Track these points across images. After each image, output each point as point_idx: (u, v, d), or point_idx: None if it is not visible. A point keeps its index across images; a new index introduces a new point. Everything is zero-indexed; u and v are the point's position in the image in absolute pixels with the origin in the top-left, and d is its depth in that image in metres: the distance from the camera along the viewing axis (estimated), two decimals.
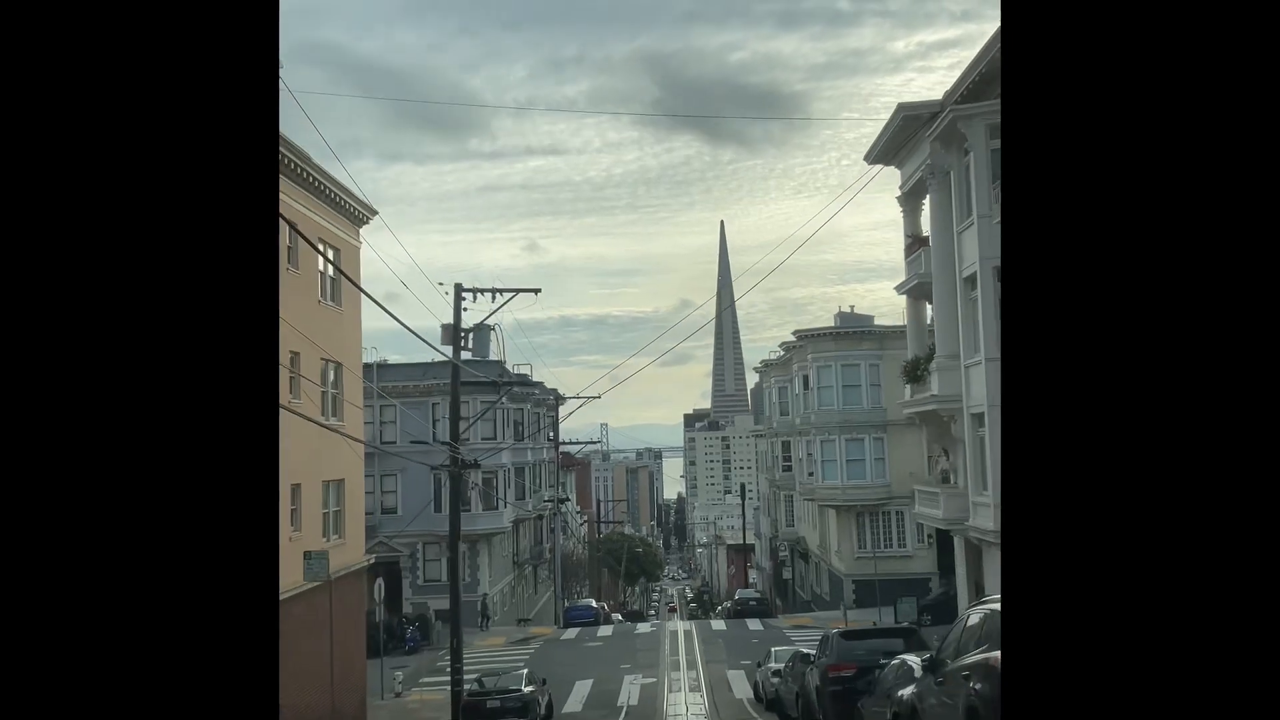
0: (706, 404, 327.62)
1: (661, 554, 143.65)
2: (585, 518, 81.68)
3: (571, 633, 45.15)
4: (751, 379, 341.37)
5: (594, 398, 52.95)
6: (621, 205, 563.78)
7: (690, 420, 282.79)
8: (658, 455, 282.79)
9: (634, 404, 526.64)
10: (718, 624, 45.97)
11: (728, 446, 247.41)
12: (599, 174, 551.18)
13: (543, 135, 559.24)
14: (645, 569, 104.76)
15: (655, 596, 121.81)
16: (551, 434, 65.41)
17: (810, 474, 50.43)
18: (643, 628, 47.81)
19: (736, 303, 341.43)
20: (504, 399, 46.97)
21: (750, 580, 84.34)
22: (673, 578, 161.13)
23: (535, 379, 54.76)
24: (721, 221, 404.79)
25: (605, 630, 44.72)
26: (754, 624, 44.58)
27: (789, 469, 61.72)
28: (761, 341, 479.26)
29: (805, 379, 51.88)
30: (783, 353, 62.30)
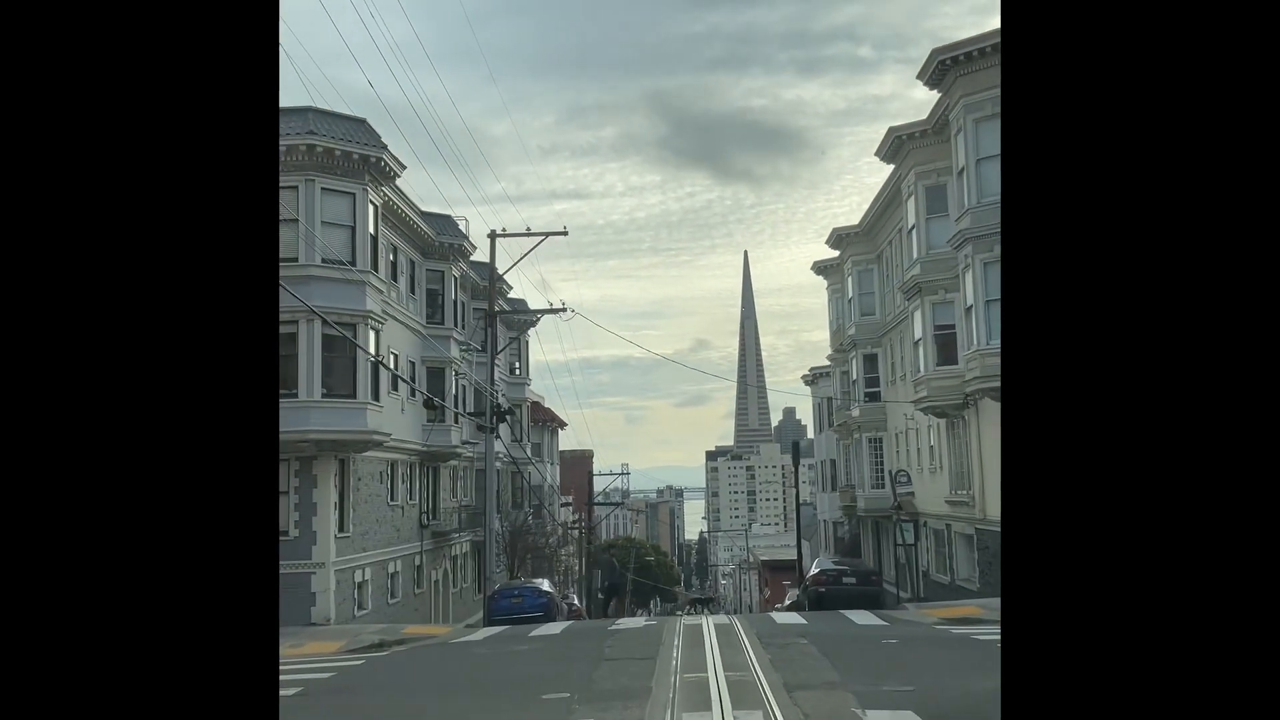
0: (727, 442, 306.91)
1: (679, 571, 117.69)
2: (579, 518, 57.87)
3: (486, 634, 21.76)
4: (776, 416, 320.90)
5: (561, 309, 29.55)
6: (644, 248, 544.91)
7: (712, 456, 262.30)
8: (679, 494, 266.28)
9: (654, 445, 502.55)
10: (786, 618, 22.16)
11: (752, 476, 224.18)
12: (622, 217, 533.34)
13: (567, 179, 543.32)
14: (658, 585, 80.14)
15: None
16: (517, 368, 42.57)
17: (926, 367, 27.35)
18: (630, 622, 24.35)
19: (759, 345, 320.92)
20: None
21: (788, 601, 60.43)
22: (695, 597, 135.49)
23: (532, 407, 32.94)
24: (745, 252, 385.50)
25: (550, 629, 21.15)
26: (862, 617, 20.97)
27: (874, 394, 38.05)
28: (783, 384, 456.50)
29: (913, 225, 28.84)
30: (856, 228, 39.11)
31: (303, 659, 18.04)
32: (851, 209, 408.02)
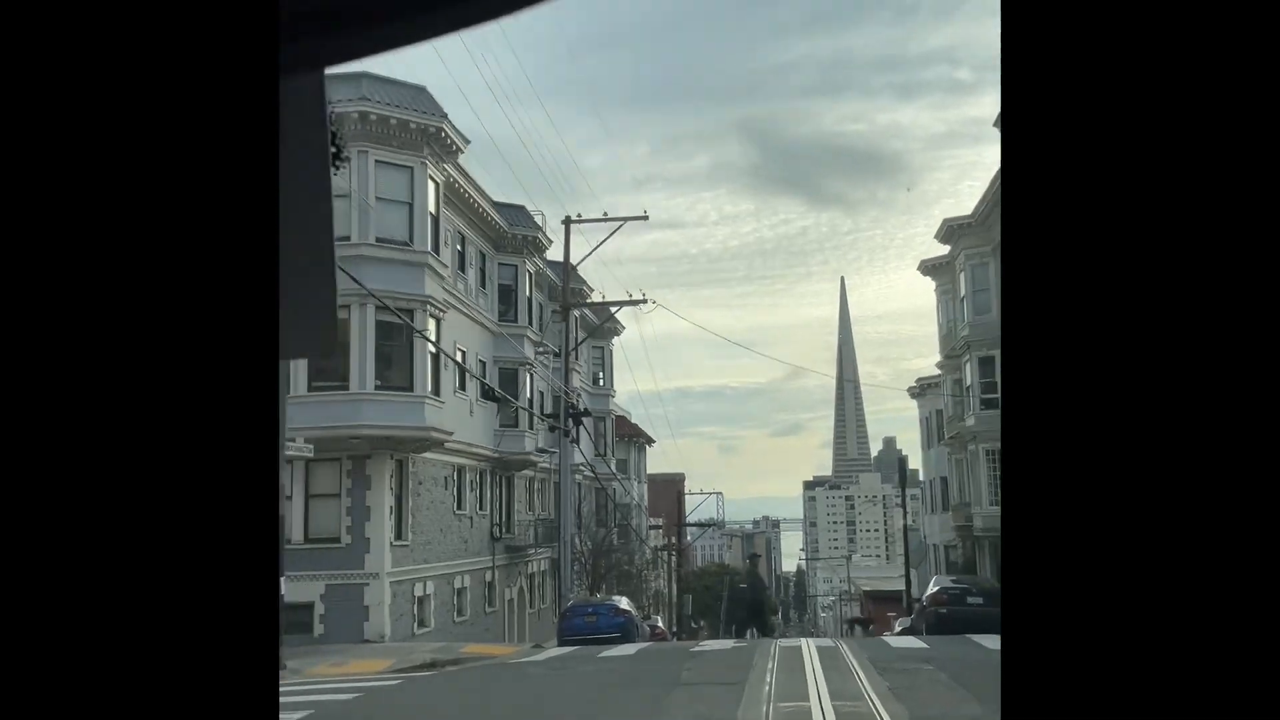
0: (825, 472, 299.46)
1: (775, 602, 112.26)
2: (669, 541, 54.64)
3: (551, 654, 18.97)
4: (875, 445, 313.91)
5: (641, 300, 26.70)
6: (738, 277, 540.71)
7: (810, 485, 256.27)
8: (775, 524, 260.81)
9: (749, 475, 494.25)
10: (902, 641, 18.73)
11: (852, 507, 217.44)
12: (715, 246, 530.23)
13: (660, 209, 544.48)
14: (753, 614, 75.82)
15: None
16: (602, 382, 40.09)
17: None
18: (716, 644, 20.96)
19: (857, 372, 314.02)
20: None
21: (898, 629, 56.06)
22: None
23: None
24: (842, 278, 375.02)
25: (624, 650, 18.15)
26: (994, 642, 17.47)
27: (991, 401, 34.28)
28: (883, 414, 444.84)
29: None
30: (969, 218, 35.56)
31: (337, 678, 15.52)
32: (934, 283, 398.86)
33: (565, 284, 26.76)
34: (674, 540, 52.15)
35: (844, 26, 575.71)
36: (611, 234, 26.50)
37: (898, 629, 33.19)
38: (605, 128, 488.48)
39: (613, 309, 27.57)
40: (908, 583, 43.68)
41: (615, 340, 45.65)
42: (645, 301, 26.11)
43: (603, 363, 44.74)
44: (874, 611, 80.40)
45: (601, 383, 44.68)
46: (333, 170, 2.19)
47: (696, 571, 75.09)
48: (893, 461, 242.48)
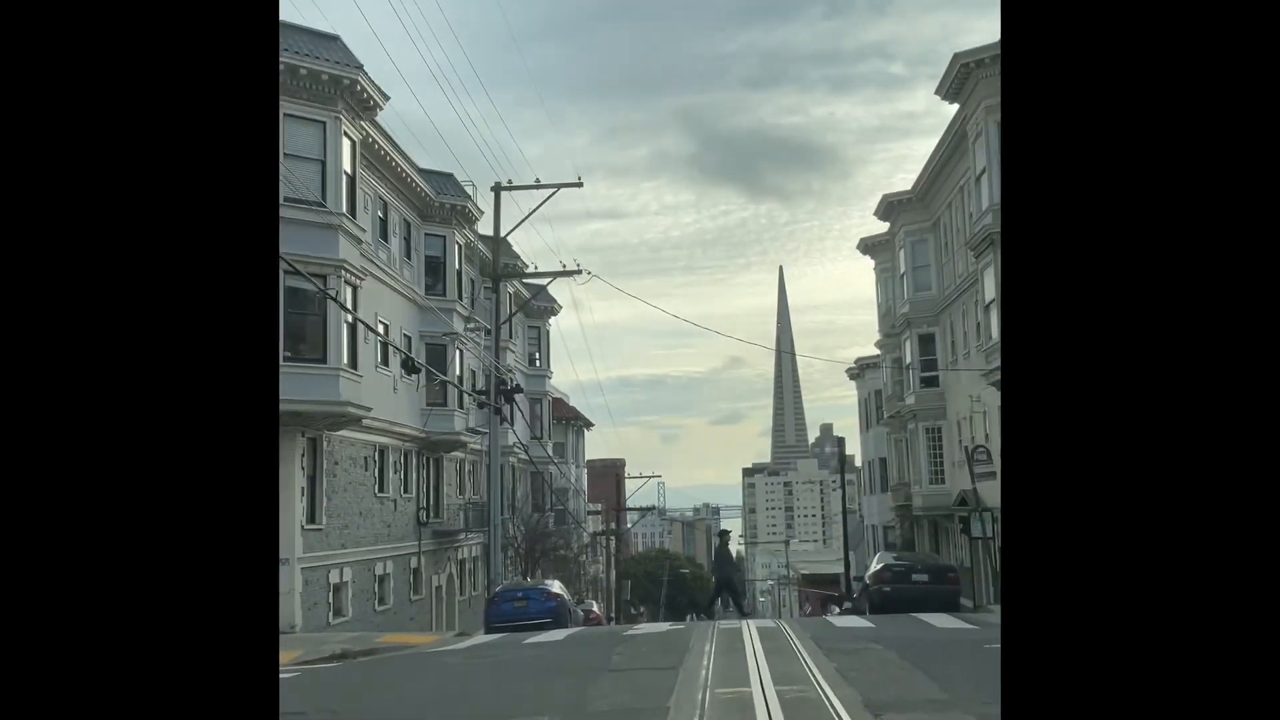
0: (764, 459, 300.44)
1: (742, 577, 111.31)
2: (608, 526, 53.26)
3: (475, 642, 17.67)
4: (813, 433, 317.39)
5: (576, 271, 24.96)
6: (679, 267, 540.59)
7: (749, 472, 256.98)
8: (716, 511, 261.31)
9: (690, 463, 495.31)
10: (847, 621, 17.68)
11: (790, 493, 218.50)
12: (656, 236, 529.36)
13: (602, 199, 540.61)
14: (693, 598, 74.81)
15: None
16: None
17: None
18: (651, 627, 19.66)
19: (795, 360, 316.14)
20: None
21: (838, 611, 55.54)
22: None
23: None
24: (780, 268, 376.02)
25: (553, 635, 16.84)
26: (942, 620, 16.53)
27: (931, 379, 33.70)
28: (821, 402, 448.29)
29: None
30: (908, 194, 34.88)
31: None
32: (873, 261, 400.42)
33: (496, 252, 25.35)
34: (613, 525, 50.94)
35: (781, 19, 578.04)
36: (545, 200, 25.16)
37: (838, 611, 32.38)
38: (547, 116, 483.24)
39: (546, 281, 26.17)
40: (846, 564, 43.07)
41: (552, 321, 44.24)
42: (580, 272, 24.83)
43: (539, 343, 43.30)
44: (811, 594, 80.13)
45: (538, 363, 43.25)
46: None
47: (636, 557, 74.07)
48: (830, 448, 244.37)
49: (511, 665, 12.46)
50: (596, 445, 56.95)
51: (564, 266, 25.24)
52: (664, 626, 17.93)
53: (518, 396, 40.71)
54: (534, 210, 25.36)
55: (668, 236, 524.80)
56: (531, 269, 25.65)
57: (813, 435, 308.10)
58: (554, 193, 25.12)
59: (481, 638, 18.94)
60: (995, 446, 26.83)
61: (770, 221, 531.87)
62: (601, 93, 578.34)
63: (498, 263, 25.67)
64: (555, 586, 21.84)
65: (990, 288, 24.61)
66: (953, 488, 32.31)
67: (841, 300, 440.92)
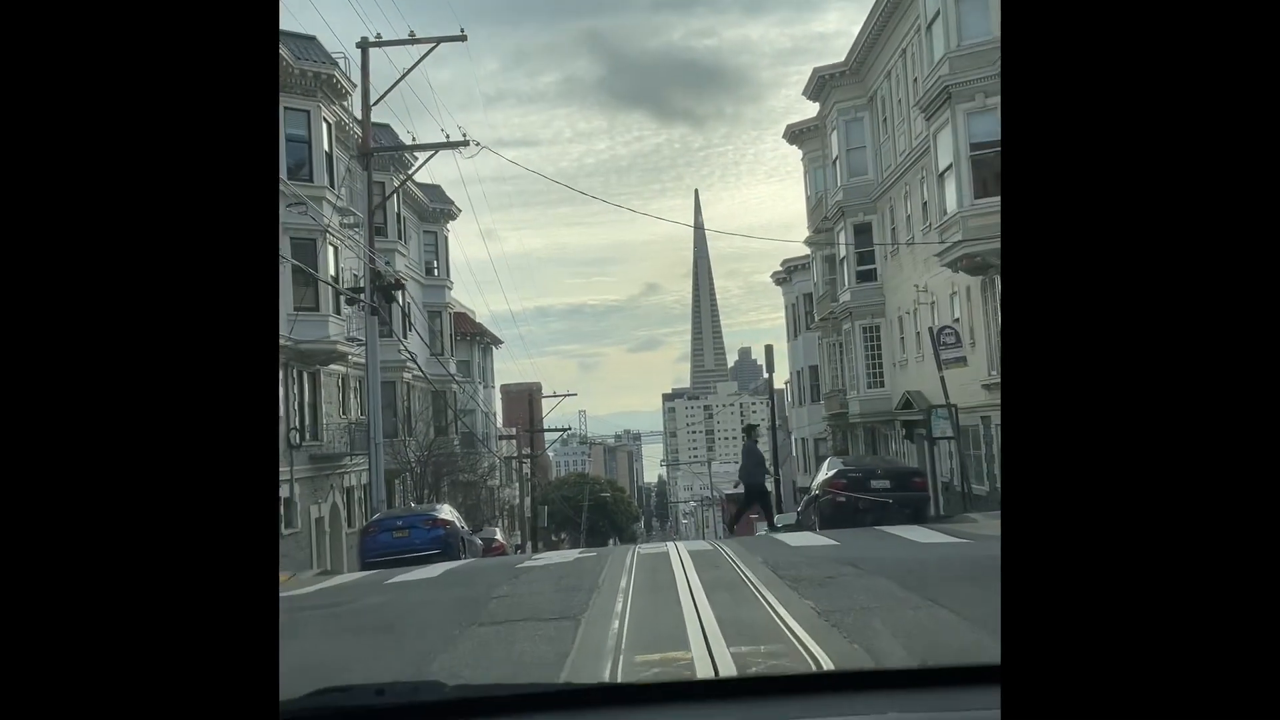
0: (683, 385, 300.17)
1: (637, 509, 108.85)
2: (520, 451, 49.31)
3: (337, 582, 13.94)
4: (731, 357, 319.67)
5: (463, 143, 20.40)
6: (594, 194, 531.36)
7: (669, 398, 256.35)
8: (637, 438, 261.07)
9: (610, 391, 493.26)
10: (800, 539, 14.28)
11: (710, 415, 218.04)
12: (570, 164, 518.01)
13: (514, 128, 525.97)
14: (615, 523, 71.81)
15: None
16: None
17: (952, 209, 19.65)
18: (554, 556, 15.91)
19: (713, 285, 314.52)
20: None
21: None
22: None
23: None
24: (696, 191, 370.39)
25: (428, 571, 13.15)
26: (918, 534, 13.30)
27: (868, 273, 30.62)
28: (737, 327, 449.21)
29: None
30: (842, 67, 31.27)
31: None
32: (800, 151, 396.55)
33: (366, 119, 20.98)
34: (528, 449, 47.15)
35: None
36: (423, 58, 20.81)
37: (779, 523, 29.33)
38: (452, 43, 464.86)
39: (429, 153, 21.91)
40: (777, 479, 40.28)
41: (450, 226, 39.83)
42: (467, 143, 20.65)
43: (436, 250, 38.89)
44: (732, 510, 78.47)
45: (436, 272, 38.93)
46: None
47: (554, 482, 70.80)
48: (749, 369, 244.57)
49: (346, 618, 8.77)
50: (514, 377, 53.15)
51: (448, 138, 20.99)
52: (572, 554, 14.37)
53: (413, 307, 36.48)
54: (410, 70, 21.01)
55: (582, 164, 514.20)
56: (410, 139, 21.33)
57: (731, 360, 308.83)
58: (433, 48, 20.79)
59: (345, 577, 15.24)
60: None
61: (684, 146, 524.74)
62: (510, 15, 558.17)
63: (368, 134, 21.32)
64: (444, 511, 18.15)
65: (945, 153, 21.22)
66: (894, 391, 29.41)
67: (758, 223, 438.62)
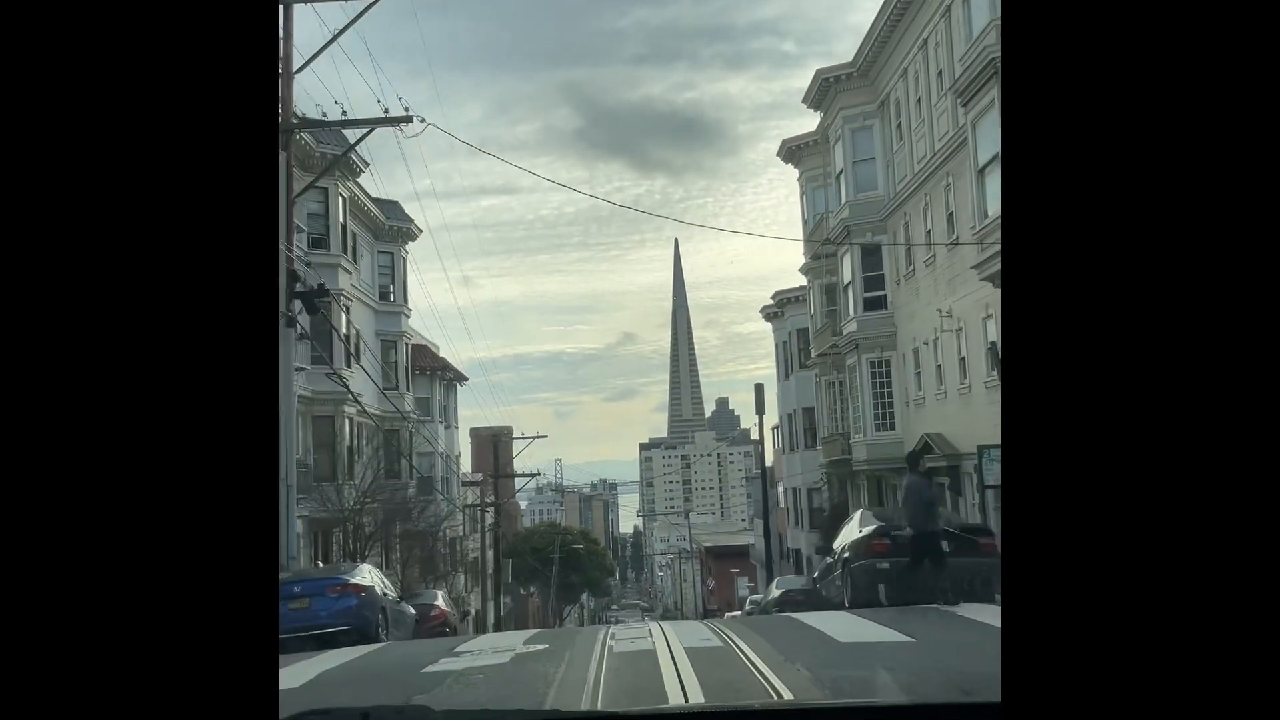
0: (661, 434, 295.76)
1: (612, 562, 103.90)
2: (482, 499, 44.80)
3: None
4: (709, 407, 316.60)
5: (405, 119, 16.98)
6: (574, 243, 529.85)
7: (646, 447, 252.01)
8: (613, 487, 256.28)
9: (585, 440, 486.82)
10: (853, 630, 10.27)
11: (688, 465, 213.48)
12: (551, 212, 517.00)
13: (496, 175, 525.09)
14: (589, 577, 66.97)
15: (610, 616, 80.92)
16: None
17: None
18: (493, 641, 11.64)
19: (691, 335, 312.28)
20: None
21: (745, 590, 48.89)
22: (628, 605, 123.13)
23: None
24: (676, 240, 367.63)
25: (305, 669, 9.16)
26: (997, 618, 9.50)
27: (877, 302, 27.04)
28: (716, 377, 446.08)
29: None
30: (849, 68, 28.01)
31: None
32: (779, 200, 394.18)
33: (286, 89, 17.27)
34: (492, 497, 42.77)
35: None
36: (360, 15, 17.22)
37: (776, 591, 25.27)
38: (435, 90, 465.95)
39: (365, 131, 18.26)
40: (766, 532, 36.23)
41: (409, 247, 36.04)
42: (410, 119, 17.04)
43: (392, 273, 35.04)
44: (715, 567, 73.77)
45: (393, 297, 35.05)
46: None
47: (524, 533, 66.24)
48: (727, 419, 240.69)
49: None
50: (487, 423, 48.97)
51: (386, 113, 17.29)
52: (517, 639, 10.26)
53: (364, 338, 32.55)
54: (351, 23, 17.38)
55: (562, 212, 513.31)
56: (341, 114, 17.73)
57: (709, 410, 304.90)
58: (373, 3, 17.19)
59: None
60: (980, 375, 20.01)
61: (665, 198, 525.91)
62: (493, 65, 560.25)
63: (290, 102, 17.62)
64: (360, 574, 14.03)
65: (988, 144, 17.68)
66: (906, 434, 25.65)
67: (735, 276, 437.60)
